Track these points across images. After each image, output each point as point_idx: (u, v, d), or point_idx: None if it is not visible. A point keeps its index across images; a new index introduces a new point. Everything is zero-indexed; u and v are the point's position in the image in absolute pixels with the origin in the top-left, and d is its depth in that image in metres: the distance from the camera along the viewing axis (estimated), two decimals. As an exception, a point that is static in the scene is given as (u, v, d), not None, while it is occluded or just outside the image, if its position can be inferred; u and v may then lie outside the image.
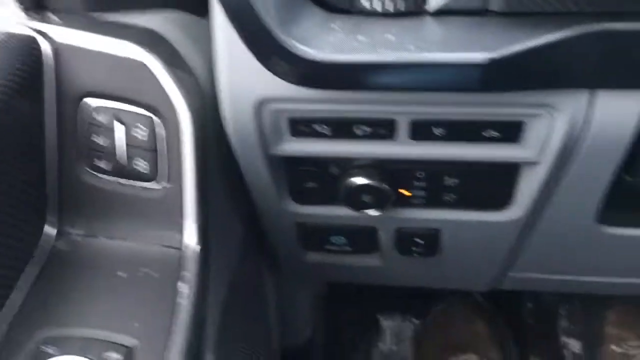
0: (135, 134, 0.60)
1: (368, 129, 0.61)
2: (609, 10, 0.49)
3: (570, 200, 0.68)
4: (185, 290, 0.58)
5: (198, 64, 0.65)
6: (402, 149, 0.63)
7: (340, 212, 0.74)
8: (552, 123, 0.57)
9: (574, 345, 1.28)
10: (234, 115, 0.61)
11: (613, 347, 1.21)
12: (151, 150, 0.61)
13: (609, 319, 1.24)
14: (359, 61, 0.51)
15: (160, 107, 0.60)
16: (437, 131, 0.60)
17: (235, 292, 0.77)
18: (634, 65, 0.51)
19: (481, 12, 0.52)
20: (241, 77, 0.58)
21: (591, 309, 1.27)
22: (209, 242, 0.64)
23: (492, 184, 0.68)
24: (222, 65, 0.58)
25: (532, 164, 0.63)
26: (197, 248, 0.61)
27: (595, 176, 0.63)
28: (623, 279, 0.89)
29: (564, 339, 1.30)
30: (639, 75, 0.51)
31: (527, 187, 0.67)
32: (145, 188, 0.61)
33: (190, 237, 0.61)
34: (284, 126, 0.62)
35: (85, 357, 0.53)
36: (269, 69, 0.54)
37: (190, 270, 0.59)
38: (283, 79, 0.54)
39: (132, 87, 0.58)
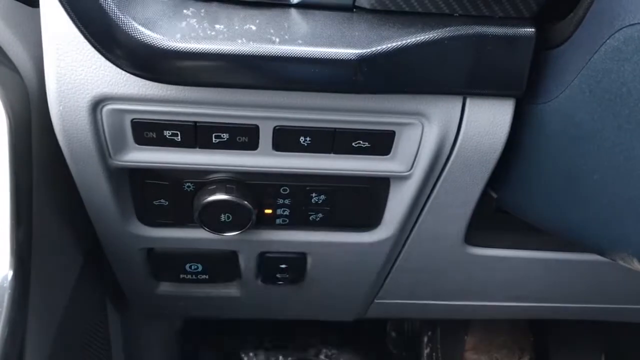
0: None
1: (226, 137, 0.54)
2: (481, 14, 0.47)
3: (440, 218, 0.65)
4: (-6, 329, 0.46)
5: (23, 58, 0.55)
6: (265, 160, 0.56)
7: (196, 234, 0.66)
8: (424, 133, 0.54)
9: (437, 373, 1.28)
10: (66, 117, 0.51)
11: (473, 372, 1.22)
12: (-46, 156, 0.49)
13: (467, 345, 1.25)
14: (214, 51, 0.44)
15: (-30, 105, 0.49)
16: (303, 140, 0.54)
17: (67, 334, 0.65)
18: (503, 72, 0.49)
19: (349, 8, 0.48)
20: (74, 70, 0.49)
21: (451, 335, 1.28)
22: (31, 271, 0.53)
23: (361, 202, 0.63)
24: (50, 56, 0.49)
25: (402, 178, 0.59)
26: (13, 278, 0.49)
27: (465, 192, 0.61)
28: (486, 302, 0.88)
29: (428, 368, 1.29)
30: (508, 83, 0.50)
31: (397, 205, 0.63)
32: (-55, 203, 0.49)
33: (4, 263, 0.50)
34: (127, 131, 0.53)
35: None
36: (107, 58, 0.45)
37: (3, 305, 0.48)
38: (123, 69, 0.45)
39: None
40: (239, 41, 0.44)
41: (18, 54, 0.54)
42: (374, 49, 0.46)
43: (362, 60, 0.45)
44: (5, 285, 0.48)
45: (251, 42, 0.44)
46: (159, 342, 1.07)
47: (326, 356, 1.38)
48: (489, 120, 0.53)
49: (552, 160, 0.52)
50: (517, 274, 0.79)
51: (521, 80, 0.49)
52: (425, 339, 1.31)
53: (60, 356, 0.64)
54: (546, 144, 0.52)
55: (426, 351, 1.30)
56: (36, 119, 0.55)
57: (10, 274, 0.48)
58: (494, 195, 0.63)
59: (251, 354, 1.38)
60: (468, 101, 0.52)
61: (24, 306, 0.51)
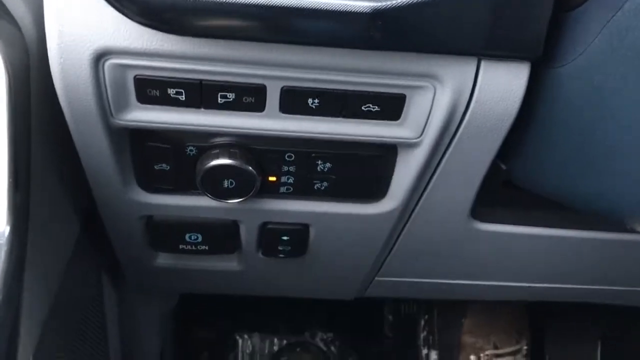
0: None
1: (232, 96, 0.52)
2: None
3: (447, 190, 0.64)
4: (-11, 287, 0.44)
5: (22, 11, 0.53)
6: (271, 123, 0.55)
7: (197, 202, 0.64)
8: (435, 97, 0.53)
9: (434, 356, 1.27)
10: (66, 72, 0.49)
11: (471, 356, 1.21)
12: (-50, 109, 0.47)
13: (464, 328, 1.24)
14: (226, 0, 0.42)
15: (-33, 58, 0.47)
16: (311, 102, 0.53)
17: (63, 302, 0.64)
18: (520, 33, 0.48)
19: (364, -38, 0.46)
20: (76, 20, 0.47)
21: (449, 318, 1.27)
22: (28, 231, 0.51)
23: (367, 171, 0.62)
24: (51, 6, 0.47)
25: (410, 145, 0.58)
26: (10, 235, 0.48)
27: (475, 162, 0.60)
28: (488, 282, 0.87)
29: (425, 351, 1.28)
30: (525, 45, 0.48)
31: (404, 175, 0.62)
32: (-60, 156, 0.47)
33: (1, 221, 0.48)
34: (130, 88, 0.51)
35: None
36: (112, 4, 0.43)
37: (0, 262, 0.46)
38: (129, 17, 0.44)
39: None
40: (250, -10, 0.43)
41: (17, 6, 0.52)
42: (389, 2, 0.44)
43: (376, 13, 0.44)
44: (1, 242, 0.46)
45: (262, -8, 0.43)
46: (154, 318, 1.06)
47: (321, 339, 1.38)
48: (503, 85, 0.51)
49: (567, 126, 0.50)
50: (523, 252, 0.78)
51: (538, 42, 0.48)
52: (422, 322, 1.30)
53: (56, 325, 0.62)
54: (561, 109, 0.50)
55: (423, 334, 1.29)
56: (35, 76, 0.53)
57: (7, 230, 0.47)
58: (503, 166, 0.62)
59: (246, 336, 1.37)
60: (482, 64, 0.51)
61: (20, 267, 0.49)
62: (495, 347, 1.20)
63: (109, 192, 0.62)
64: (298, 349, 1.36)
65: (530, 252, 0.78)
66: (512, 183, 0.64)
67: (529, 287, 0.89)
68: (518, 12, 0.47)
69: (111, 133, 0.55)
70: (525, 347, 1.22)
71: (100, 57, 0.48)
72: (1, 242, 0.46)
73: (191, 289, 0.95)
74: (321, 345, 1.37)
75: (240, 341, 1.36)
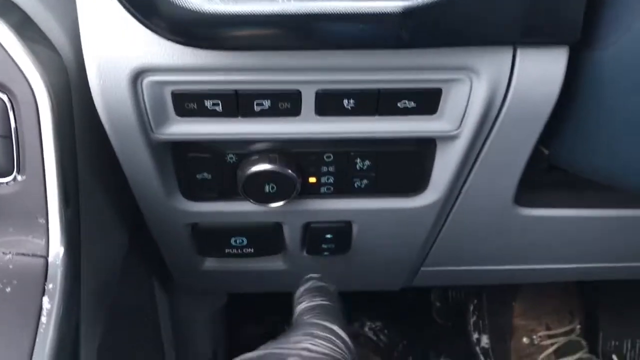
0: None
1: (268, 103, 0.52)
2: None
3: (489, 179, 0.63)
4: (49, 306, 0.46)
5: (58, 34, 0.54)
6: (308, 126, 0.55)
7: (240, 207, 0.65)
8: (472, 89, 0.52)
9: (485, 340, 1.26)
10: (106, 92, 0.50)
11: (523, 339, 1.20)
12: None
13: (515, 311, 1.23)
14: (255, 12, 0.42)
15: (11, 84, 0.49)
16: (347, 103, 0.53)
17: (118, 311, 0.66)
18: (556, 17, 0.46)
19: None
20: (112, 42, 0.48)
21: (498, 302, 1.26)
22: (81, 248, 0.53)
23: (407, 165, 0.62)
24: (87, 30, 0.48)
25: (449, 138, 0.57)
26: (64, 254, 0.49)
27: (516, 150, 0.59)
28: (536, 265, 0.86)
29: (475, 336, 1.27)
30: (562, 28, 0.47)
31: (444, 167, 0.61)
32: (-7, 183, 0.49)
33: (55, 241, 0.50)
34: (168, 103, 0.52)
35: None
36: (145, 25, 0.44)
37: (56, 282, 0.48)
38: (163, 36, 0.44)
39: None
40: (280, 0, 0.43)
41: (54, 31, 0.53)
42: (419, 0, 0.43)
43: (407, 12, 0.43)
44: (57, 262, 0.48)
45: (292, 1, 0.43)
46: (205, 318, 1.08)
47: (370, 329, 1.38)
48: (541, 71, 0.50)
49: (611, 108, 0.49)
50: (569, 234, 0.76)
51: (575, 25, 0.47)
52: (472, 307, 1.29)
53: (114, 333, 0.64)
54: (604, 91, 0.49)
55: (473, 319, 1.28)
56: (76, 97, 0.54)
57: (62, 251, 0.48)
58: (546, 151, 0.61)
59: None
60: (519, 51, 0.50)
61: (76, 283, 0.51)
62: (548, 328, 1.19)
63: (154, 203, 0.63)
64: (348, 340, 1.36)
65: (576, 234, 0.77)
66: (553, 166, 0.63)
67: (579, 267, 0.88)
68: (553, -4, 0.45)
69: (152, 147, 0.56)
70: (578, 327, 1.20)
71: (137, 76, 0.49)
72: (57, 262, 0.48)
73: (239, 289, 0.97)
74: (370, 334, 1.38)
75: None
